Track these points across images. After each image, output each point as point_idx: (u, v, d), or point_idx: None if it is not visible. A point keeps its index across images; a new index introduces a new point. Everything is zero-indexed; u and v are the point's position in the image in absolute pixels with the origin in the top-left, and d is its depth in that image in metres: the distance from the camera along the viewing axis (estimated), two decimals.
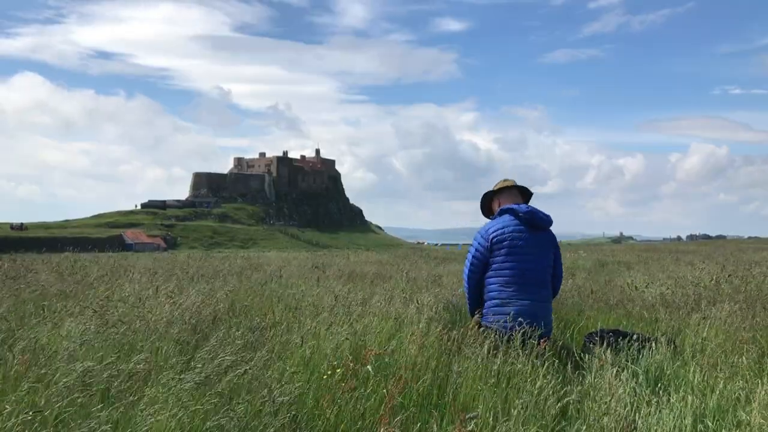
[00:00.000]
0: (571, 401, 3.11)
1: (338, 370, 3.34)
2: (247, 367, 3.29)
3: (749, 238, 66.30)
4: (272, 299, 6.20)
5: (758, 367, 3.70)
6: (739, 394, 3.17)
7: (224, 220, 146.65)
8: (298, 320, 4.83)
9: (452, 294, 6.56)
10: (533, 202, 4.71)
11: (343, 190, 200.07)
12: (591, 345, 4.04)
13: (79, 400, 2.83)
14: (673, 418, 2.87)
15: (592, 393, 3.21)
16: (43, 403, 2.78)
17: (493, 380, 3.31)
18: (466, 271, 4.50)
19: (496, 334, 3.93)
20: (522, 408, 2.93)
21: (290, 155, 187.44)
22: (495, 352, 3.63)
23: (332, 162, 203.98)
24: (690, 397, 3.02)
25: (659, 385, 3.49)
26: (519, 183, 4.75)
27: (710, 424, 2.91)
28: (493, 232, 4.36)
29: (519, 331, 3.84)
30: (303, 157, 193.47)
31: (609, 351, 3.74)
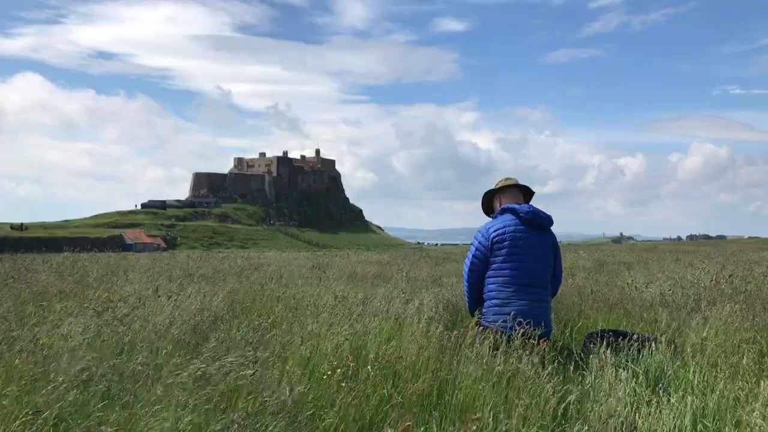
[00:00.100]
0: (572, 401, 3.11)
1: (338, 370, 3.34)
2: (248, 369, 3.29)
3: (749, 238, 66.31)
4: (272, 299, 6.21)
5: (758, 367, 3.70)
6: (739, 394, 3.17)
7: (224, 220, 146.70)
8: (298, 320, 4.83)
9: (452, 294, 6.56)
10: (534, 202, 4.70)
11: (343, 190, 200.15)
12: (591, 345, 4.04)
13: (79, 400, 2.83)
14: (673, 418, 2.87)
15: (592, 393, 3.21)
16: (42, 403, 2.78)
17: (493, 380, 3.31)
18: (466, 269, 4.47)
19: (496, 334, 3.92)
20: (522, 408, 2.93)
21: (290, 155, 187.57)
22: (495, 352, 3.63)
23: (332, 162, 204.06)
24: (690, 397, 3.02)
25: (659, 385, 3.49)
26: (520, 182, 4.74)
27: (710, 424, 2.91)
28: (493, 232, 4.35)
29: (519, 331, 3.84)
30: (303, 157, 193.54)
31: (609, 351, 3.74)
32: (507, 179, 4.75)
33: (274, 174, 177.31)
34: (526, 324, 3.93)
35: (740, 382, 3.33)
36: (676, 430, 2.83)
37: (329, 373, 3.34)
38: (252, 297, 6.46)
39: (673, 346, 4.05)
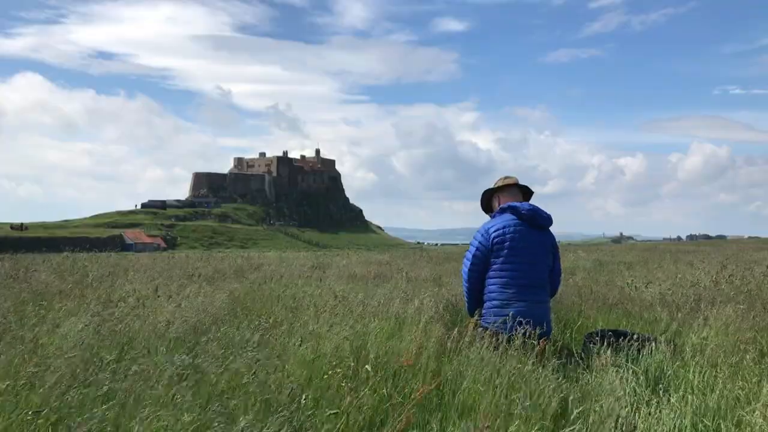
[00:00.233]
0: (572, 401, 3.11)
1: (339, 370, 3.33)
2: (248, 369, 3.29)
3: (749, 238, 66.31)
4: (272, 299, 6.21)
5: (759, 367, 3.70)
6: (739, 394, 3.17)
7: (224, 220, 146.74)
8: (298, 320, 4.83)
9: (452, 294, 6.56)
10: (534, 202, 4.70)
11: (343, 190, 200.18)
12: (591, 345, 4.04)
13: (77, 400, 2.83)
14: (673, 418, 2.87)
15: (592, 393, 3.21)
16: (42, 403, 2.78)
17: (493, 380, 3.31)
18: (466, 270, 4.44)
19: (495, 334, 3.92)
20: (522, 408, 2.93)
21: (290, 155, 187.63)
22: (495, 352, 3.63)
23: (332, 162, 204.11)
24: (690, 397, 3.02)
25: (659, 385, 3.49)
26: (520, 182, 4.73)
27: (710, 424, 2.90)
28: (494, 231, 4.34)
29: (519, 332, 3.84)
30: (303, 157, 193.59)
31: (609, 351, 3.74)
32: (506, 178, 4.73)
33: (274, 174, 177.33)
34: (526, 324, 3.93)
35: (740, 382, 3.33)
36: (676, 430, 2.82)
37: (330, 372, 3.34)
38: (252, 297, 6.46)
39: (673, 346, 4.05)
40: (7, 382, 3.01)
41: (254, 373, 3.26)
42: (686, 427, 2.84)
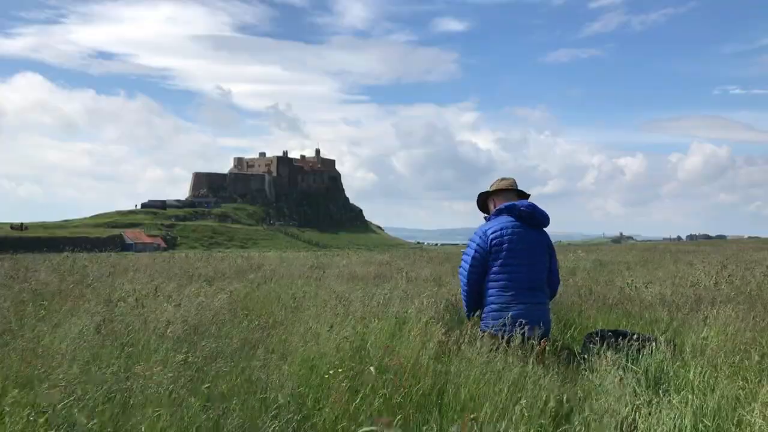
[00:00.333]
0: (571, 401, 3.11)
1: (339, 370, 3.34)
2: (249, 369, 3.29)
3: (749, 238, 66.31)
4: (272, 299, 6.21)
5: (759, 367, 3.70)
6: (739, 394, 3.17)
7: (224, 220, 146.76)
8: (298, 320, 4.83)
9: (452, 294, 6.56)
10: (533, 203, 4.69)
11: (343, 190, 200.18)
12: (591, 345, 4.04)
13: (80, 401, 2.83)
14: (673, 418, 2.87)
15: (592, 393, 3.21)
16: (42, 403, 2.78)
17: (493, 380, 3.31)
18: (465, 272, 4.42)
19: (494, 336, 3.92)
20: (522, 408, 2.93)
21: (290, 155, 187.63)
22: (495, 352, 3.63)
23: (332, 162, 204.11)
24: (690, 397, 3.02)
25: (659, 385, 3.49)
26: (518, 183, 4.71)
27: (710, 424, 2.90)
28: (491, 233, 4.33)
29: (518, 331, 3.83)
30: (303, 157, 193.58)
31: (609, 351, 3.73)
32: (502, 180, 4.70)
33: (274, 174, 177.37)
34: (526, 325, 3.92)
35: (740, 382, 3.33)
36: (676, 430, 2.82)
37: (330, 372, 3.34)
38: (252, 297, 6.46)
39: (673, 346, 4.05)
40: (8, 383, 3.01)
41: (254, 373, 3.27)
42: (686, 427, 2.84)
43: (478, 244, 4.36)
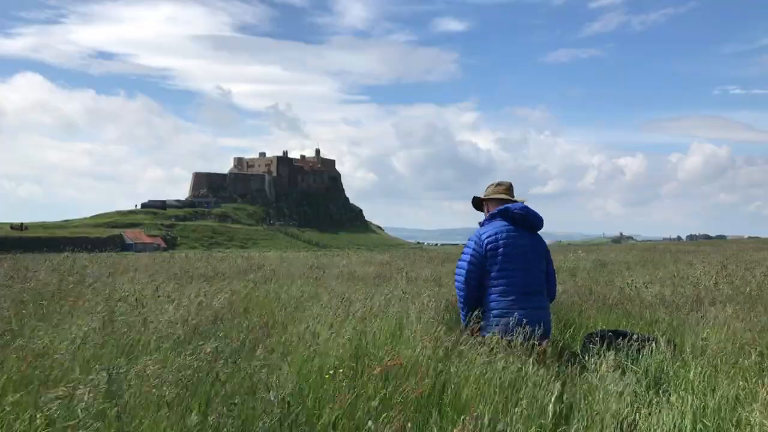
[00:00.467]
0: (571, 401, 3.11)
1: (339, 371, 3.34)
2: (249, 370, 3.29)
3: (749, 238, 66.29)
4: (273, 300, 6.21)
5: (758, 367, 3.70)
6: (739, 394, 3.17)
7: (224, 220, 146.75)
8: (298, 320, 4.83)
9: (452, 294, 6.56)
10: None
11: (343, 190, 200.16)
12: (591, 345, 4.04)
13: (81, 401, 2.83)
14: (673, 418, 2.88)
15: (592, 393, 3.22)
16: (43, 403, 2.78)
17: (494, 380, 3.31)
18: (461, 278, 4.39)
19: (496, 336, 3.92)
20: (522, 408, 2.93)
21: (290, 155, 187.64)
22: (495, 352, 3.63)
23: (332, 162, 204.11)
24: (690, 397, 3.02)
25: (659, 385, 3.49)
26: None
27: (710, 424, 2.91)
28: (486, 238, 4.33)
29: (519, 333, 3.83)
30: (303, 157, 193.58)
31: (609, 351, 3.74)
32: (498, 185, 4.68)
33: (274, 174, 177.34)
34: (527, 327, 3.92)
35: (740, 382, 3.33)
36: (676, 430, 2.83)
37: (330, 372, 3.34)
38: (252, 297, 6.46)
39: (673, 346, 4.06)
40: (8, 383, 3.01)
41: (254, 373, 3.26)
42: (686, 427, 2.84)
43: (473, 249, 4.35)
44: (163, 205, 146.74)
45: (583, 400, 3.15)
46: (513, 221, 4.37)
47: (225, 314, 5.16)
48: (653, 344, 3.92)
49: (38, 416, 2.65)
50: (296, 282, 8.32)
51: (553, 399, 3.07)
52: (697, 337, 4.42)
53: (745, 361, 3.74)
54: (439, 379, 3.42)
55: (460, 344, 3.87)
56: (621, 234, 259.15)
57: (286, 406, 2.88)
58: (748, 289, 6.74)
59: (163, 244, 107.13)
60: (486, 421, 2.58)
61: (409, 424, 2.90)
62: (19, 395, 2.85)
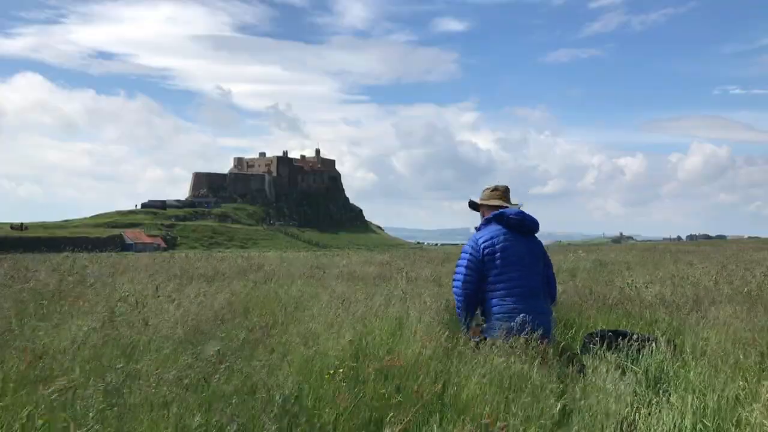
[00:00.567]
0: (571, 401, 3.11)
1: (339, 371, 3.34)
2: (249, 370, 3.29)
3: (749, 238, 66.29)
4: (273, 300, 6.21)
5: (759, 367, 3.70)
6: (739, 394, 3.17)
7: (224, 220, 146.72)
8: (299, 321, 4.83)
9: (452, 294, 6.55)
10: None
11: (343, 190, 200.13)
12: (591, 345, 4.04)
13: (82, 401, 2.83)
14: (673, 418, 2.88)
15: (592, 393, 3.22)
16: (43, 404, 2.78)
17: (494, 380, 3.31)
18: (459, 283, 4.37)
19: (498, 338, 3.91)
20: (522, 408, 2.94)
21: (290, 155, 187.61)
22: (496, 353, 3.63)
23: (332, 162, 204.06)
24: (690, 397, 3.02)
25: (659, 385, 3.49)
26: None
27: (710, 424, 2.91)
28: (482, 243, 4.32)
29: (521, 335, 3.83)
30: (303, 157, 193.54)
31: (609, 351, 3.74)
32: (494, 190, 4.66)
33: (274, 174, 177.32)
34: (529, 328, 3.91)
35: (740, 382, 3.33)
36: (676, 430, 2.83)
37: (330, 372, 3.34)
38: (252, 297, 6.46)
39: (673, 346, 4.06)
40: (8, 383, 3.01)
41: (254, 373, 3.26)
42: (686, 427, 2.84)
43: (470, 254, 4.35)
44: (163, 205, 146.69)
45: (583, 400, 3.15)
46: (508, 226, 4.36)
47: (225, 314, 5.16)
48: (653, 344, 3.92)
49: (37, 416, 2.65)
50: (296, 282, 8.32)
51: (553, 399, 3.07)
52: (698, 337, 4.42)
53: (745, 361, 3.74)
54: (440, 379, 3.41)
55: (461, 343, 3.87)
56: (621, 234, 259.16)
57: (286, 406, 2.88)
58: (748, 289, 6.74)
59: (163, 244, 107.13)
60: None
61: (410, 425, 2.91)
62: (18, 393, 2.85)
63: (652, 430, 2.83)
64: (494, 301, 4.25)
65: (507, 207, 4.55)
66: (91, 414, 2.69)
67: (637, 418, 2.92)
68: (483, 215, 4.60)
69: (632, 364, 3.67)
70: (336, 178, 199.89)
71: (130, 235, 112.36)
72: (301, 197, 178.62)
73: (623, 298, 6.50)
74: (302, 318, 4.94)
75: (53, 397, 2.81)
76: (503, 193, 4.63)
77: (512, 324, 4.03)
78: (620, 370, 3.45)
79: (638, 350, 3.88)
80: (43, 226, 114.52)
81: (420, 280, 8.78)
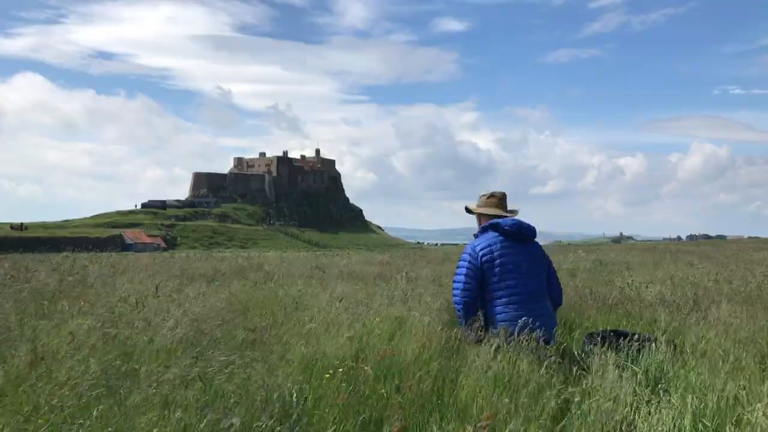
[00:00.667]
0: (572, 401, 3.11)
1: (339, 371, 3.34)
2: (249, 369, 3.29)
3: (749, 238, 66.26)
4: (273, 300, 6.21)
5: (759, 367, 3.70)
6: (739, 394, 3.17)
7: (224, 220, 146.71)
8: (298, 320, 4.83)
9: (451, 293, 6.55)
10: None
11: (343, 190, 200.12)
12: (591, 345, 4.04)
13: (82, 401, 2.83)
14: (673, 418, 2.88)
15: (592, 393, 3.22)
16: (43, 403, 2.78)
17: (494, 380, 3.31)
18: (459, 291, 4.35)
19: (500, 337, 3.91)
20: (522, 408, 2.94)
21: (290, 155, 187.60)
22: (496, 352, 3.63)
23: (332, 162, 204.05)
24: (690, 397, 3.02)
25: (659, 385, 3.49)
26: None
27: (710, 424, 2.91)
28: (480, 250, 4.32)
29: (521, 334, 3.82)
30: (303, 157, 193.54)
31: (609, 351, 3.74)
32: (491, 196, 4.65)
33: (274, 174, 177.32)
34: (532, 331, 3.90)
35: (740, 382, 3.33)
36: (676, 430, 2.83)
37: (330, 372, 3.35)
38: (252, 297, 6.46)
39: (673, 346, 4.06)
40: (8, 383, 3.01)
41: (255, 373, 3.27)
42: (686, 427, 2.84)
43: (469, 262, 4.34)
44: (163, 205, 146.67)
45: (583, 400, 3.15)
46: (504, 234, 4.35)
47: (225, 314, 5.16)
48: (653, 344, 3.92)
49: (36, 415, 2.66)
50: (296, 282, 8.32)
51: (553, 399, 3.07)
52: (698, 337, 4.42)
53: (745, 360, 3.74)
54: (439, 378, 3.42)
55: (461, 344, 3.87)
56: (621, 234, 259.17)
57: (286, 406, 2.89)
58: (748, 289, 6.75)
59: (163, 244, 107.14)
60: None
61: (409, 424, 2.91)
62: (18, 393, 2.86)
63: (652, 430, 2.83)
64: (498, 309, 4.23)
65: (503, 215, 4.54)
66: (93, 413, 2.69)
67: (636, 418, 2.92)
68: (479, 222, 4.59)
69: (632, 364, 3.67)
70: (336, 178, 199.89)
71: (130, 235, 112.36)
72: (301, 197, 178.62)
73: (623, 298, 6.50)
74: (302, 318, 4.94)
75: (53, 396, 2.82)
76: (500, 200, 4.61)
77: (515, 328, 4.02)
78: (620, 369, 3.45)
79: (638, 350, 3.87)
80: (43, 226, 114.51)
81: (420, 280, 8.78)
